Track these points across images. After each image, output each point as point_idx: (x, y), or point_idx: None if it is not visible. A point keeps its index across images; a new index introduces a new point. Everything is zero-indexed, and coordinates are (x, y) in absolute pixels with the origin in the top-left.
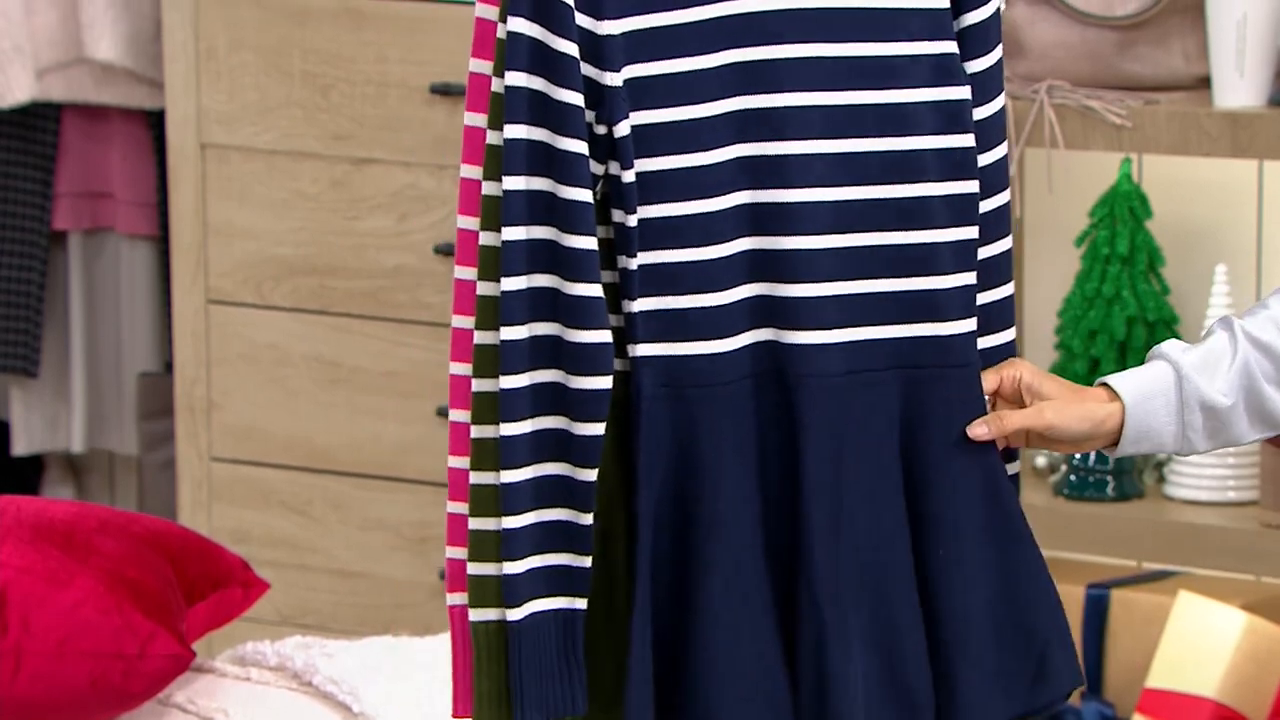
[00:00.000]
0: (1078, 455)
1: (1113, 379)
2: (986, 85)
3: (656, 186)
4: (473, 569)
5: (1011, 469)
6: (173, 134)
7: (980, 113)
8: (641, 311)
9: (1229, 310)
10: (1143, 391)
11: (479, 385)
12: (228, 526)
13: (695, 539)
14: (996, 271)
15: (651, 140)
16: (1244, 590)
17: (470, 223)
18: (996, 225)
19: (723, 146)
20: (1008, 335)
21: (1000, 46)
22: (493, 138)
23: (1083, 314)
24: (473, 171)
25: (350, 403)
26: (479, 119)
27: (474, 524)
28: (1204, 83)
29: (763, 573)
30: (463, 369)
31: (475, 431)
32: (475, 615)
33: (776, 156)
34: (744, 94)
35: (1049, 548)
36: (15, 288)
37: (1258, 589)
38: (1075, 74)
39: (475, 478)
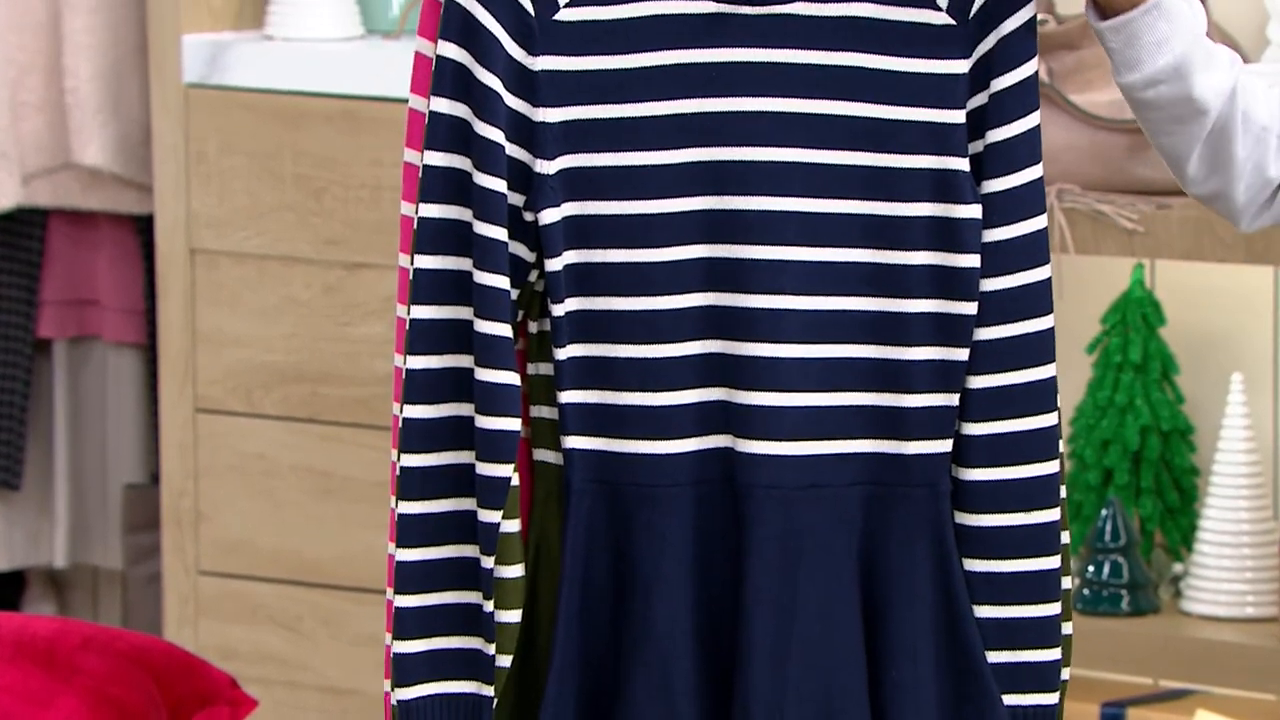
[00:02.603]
0: (1090, 568)
1: None
2: (1008, 207)
3: (596, 278)
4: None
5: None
6: (162, 239)
7: (1000, 234)
8: (572, 404)
9: (1246, 420)
10: (1169, 7)
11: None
12: (215, 642)
13: (626, 642)
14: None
15: (593, 231)
16: (1264, 710)
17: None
18: (1038, 351)
19: (680, 245)
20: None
21: (1036, 167)
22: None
23: (1095, 423)
24: (411, 209)
25: (341, 514)
26: (416, 156)
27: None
28: None
29: (692, 688)
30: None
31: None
32: (394, 695)
33: (741, 260)
34: (707, 194)
35: None
36: None
37: (1278, 709)
38: (1086, 178)
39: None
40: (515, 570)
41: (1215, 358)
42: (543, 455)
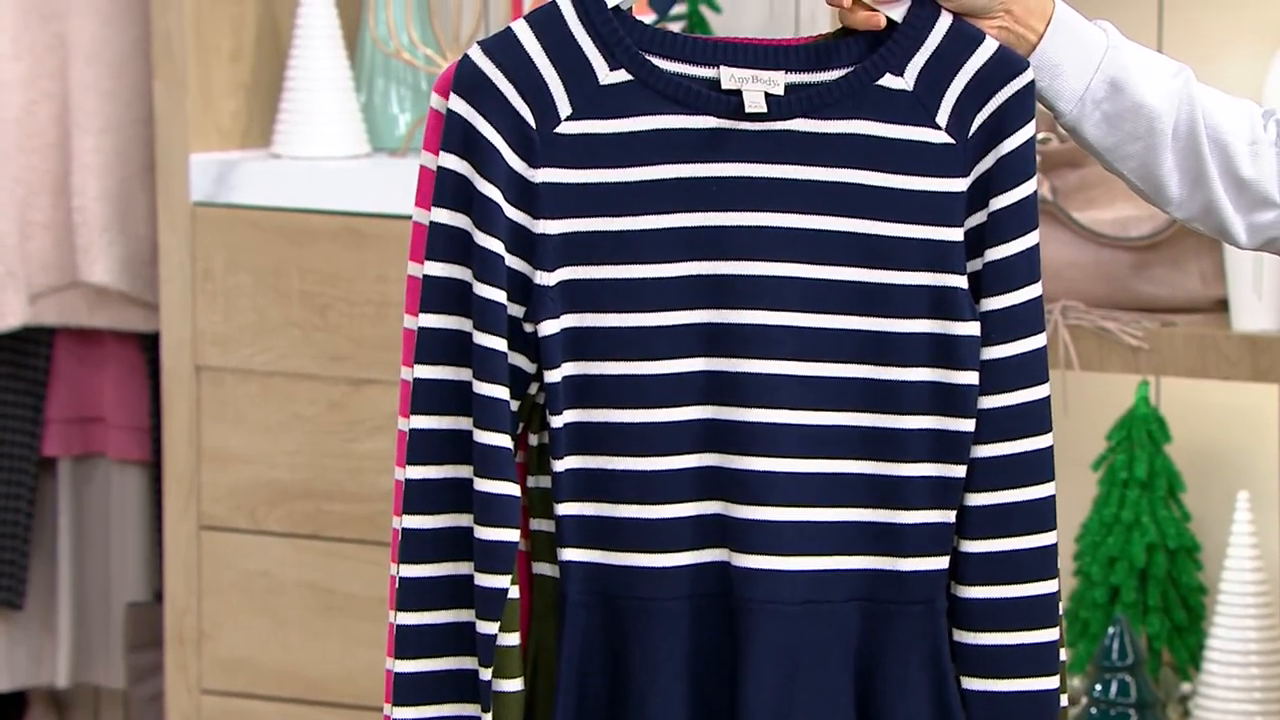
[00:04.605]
0: (1098, 687)
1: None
2: (1007, 325)
3: (594, 390)
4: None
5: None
6: (167, 357)
7: (998, 352)
8: (569, 516)
9: (1253, 538)
10: (1073, 25)
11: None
12: None
13: None
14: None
15: (591, 343)
16: None
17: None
18: (1038, 469)
19: (678, 358)
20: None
21: (1036, 285)
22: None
23: (1101, 540)
24: (415, 322)
25: (345, 631)
26: (419, 268)
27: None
28: (1221, 305)
29: None
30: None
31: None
32: None
33: (739, 374)
34: (705, 307)
35: None
36: (2, 516)
37: None
38: (1090, 295)
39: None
40: (514, 684)
41: (1221, 475)
42: (541, 569)
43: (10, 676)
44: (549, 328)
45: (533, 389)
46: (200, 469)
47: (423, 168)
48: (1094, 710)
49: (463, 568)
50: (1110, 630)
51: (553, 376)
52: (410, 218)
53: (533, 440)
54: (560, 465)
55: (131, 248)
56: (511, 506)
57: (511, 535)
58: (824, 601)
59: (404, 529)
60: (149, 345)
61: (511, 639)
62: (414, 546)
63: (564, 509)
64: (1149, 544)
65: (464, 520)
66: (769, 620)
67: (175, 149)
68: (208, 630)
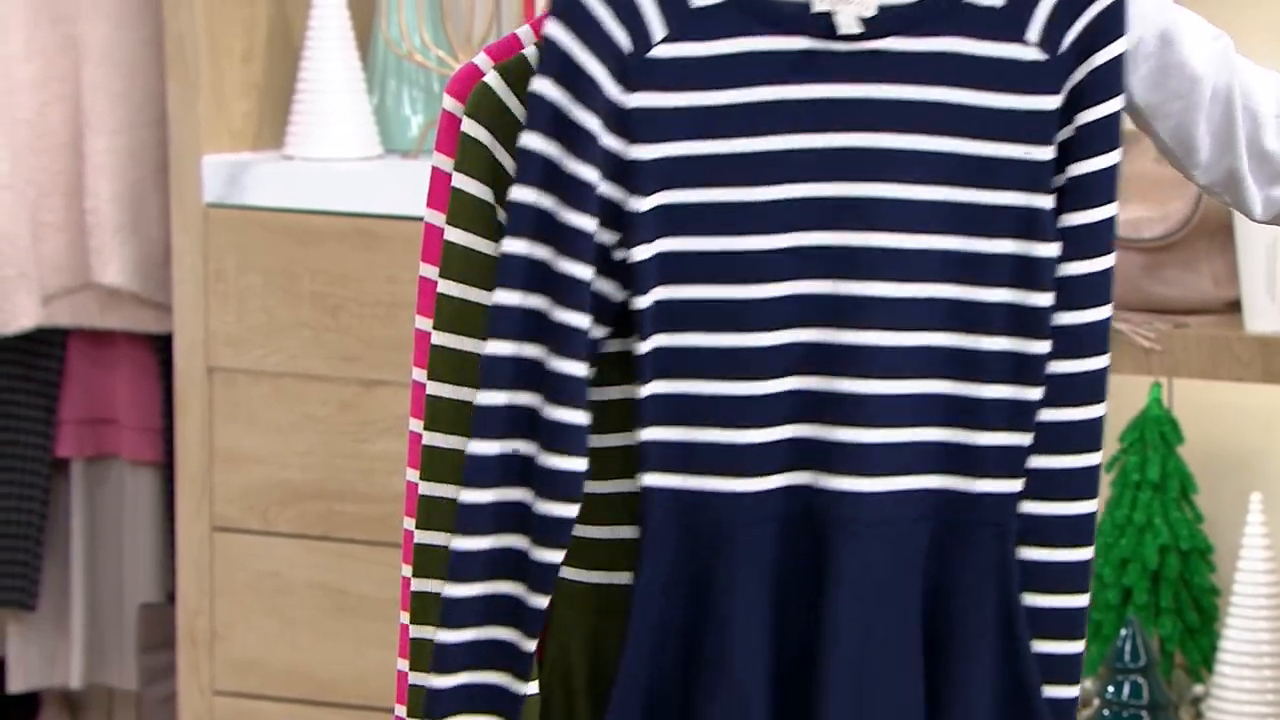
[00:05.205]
0: (1110, 689)
1: None
2: (1084, 242)
3: (688, 314)
4: (412, 678)
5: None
6: (180, 358)
7: (1072, 269)
8: (652, 441)
9: (1266, 539)
10: None
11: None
12: None
13: (699, 681)
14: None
15: (687, 268)
16: None
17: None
18: (1089, 389)
19: (776, 281)
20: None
21: (1113, 204)
22: (444, 286)
23: (1114, 542)
24: (426, 323)
25: (356, 632)
26: (434, 271)
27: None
28: (1234, 306)
29: None
30: (420, 426)
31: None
32: None
33: (844, 297)
34: (801, 230)
35: None
36: (15, 518)
37: None
38: None
39: (416, 584)
40: (529, 687)
41: (1233, 477)
42: (563, 573)
43: (24, 677)
44: (642, 252)
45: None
46: (212, 470)
47: (435, 169)
48: (1106, 712)
49: (517, 540)
50: (1123, 632)
51: (643, 302)
52: (422, 219)
53: None
54: (646, 390)
55: (144, 249)
56: (584, 434)
57: (582, 465)
58: (908, 520)
59: (454, 549)
60: (161, 346)
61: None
62: (471, 516)
63: (648, 434)
64: (1161, 546)
65: (524, 495)
66: (854, 541)
67: (187, 150)
68: (220, 631)
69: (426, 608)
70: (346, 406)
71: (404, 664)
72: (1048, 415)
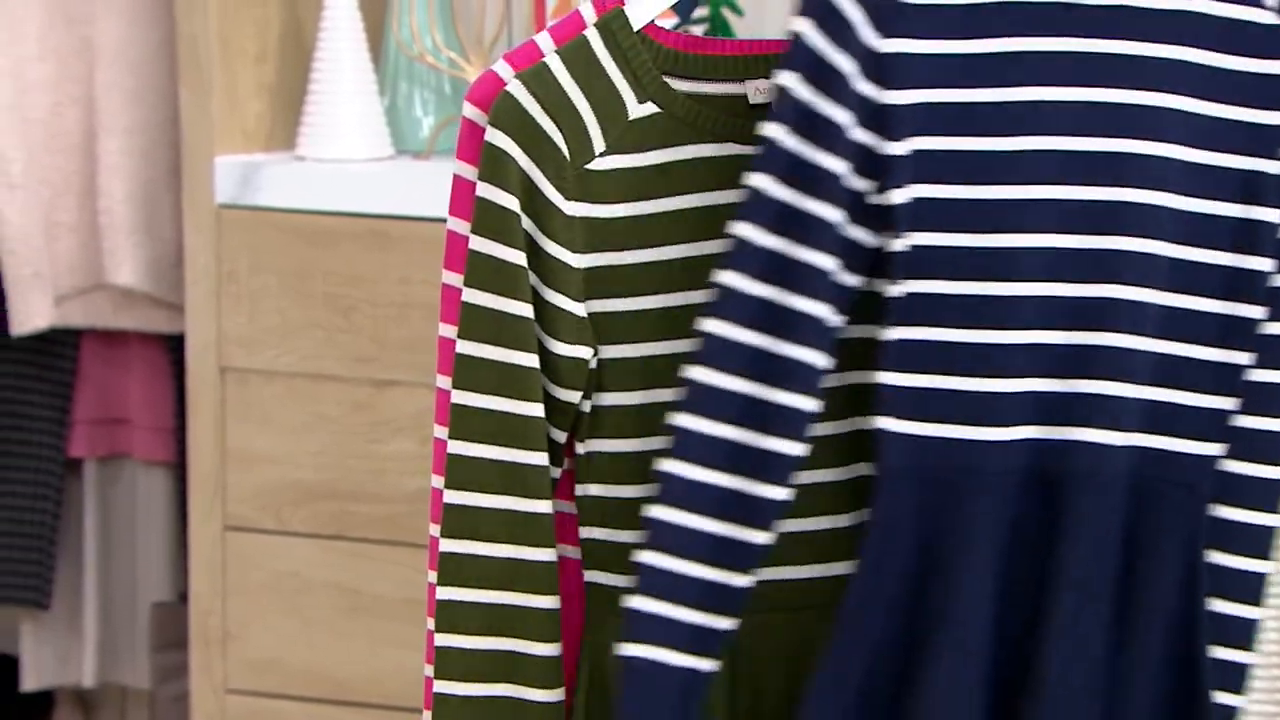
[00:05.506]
0: None
1: None
2: None
3: (942, 261)
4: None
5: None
6: (193, 358)
7: None
8: (893, 385)
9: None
10: None
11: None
12: None
13: (922, 626)
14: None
15: (943, 215)
16: None
17: (445, 381)
18: None
19: (1036, 233)
20: None
21: None
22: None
23: None
24: (450, 331)
25: (370, 631)
26: (456, 278)
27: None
28: None
29: (987, 677)
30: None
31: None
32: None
33: (1099, 250)
34: (1061, 183)
35: None
36: (28, 517)
37: None
38: None
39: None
40: (550, 695)
41: None
42: (595, 577)
43: (37, 676)
44: (898, 196)
45: (586, 406)
46: (225, 470)
47: (457, 177)
48: None
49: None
50: None
51: (898, 245)
52: (437, 220)
53: (580, 450)
54: (894, 334)
55: (157, 250)
56: (818, 373)
57: (812, 404)
58: (1125, 478)
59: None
60: (174, 347)
61: (552, 649)
62: (697, 447)
63: (890, 378)
64: None
65: (747, 485)
66: (1093, 494)
67: (200, 151)
68: (233, 630)
69: (466, 563)
70: (359, 407)
71: (429, 669)
72: (1260, 376)
